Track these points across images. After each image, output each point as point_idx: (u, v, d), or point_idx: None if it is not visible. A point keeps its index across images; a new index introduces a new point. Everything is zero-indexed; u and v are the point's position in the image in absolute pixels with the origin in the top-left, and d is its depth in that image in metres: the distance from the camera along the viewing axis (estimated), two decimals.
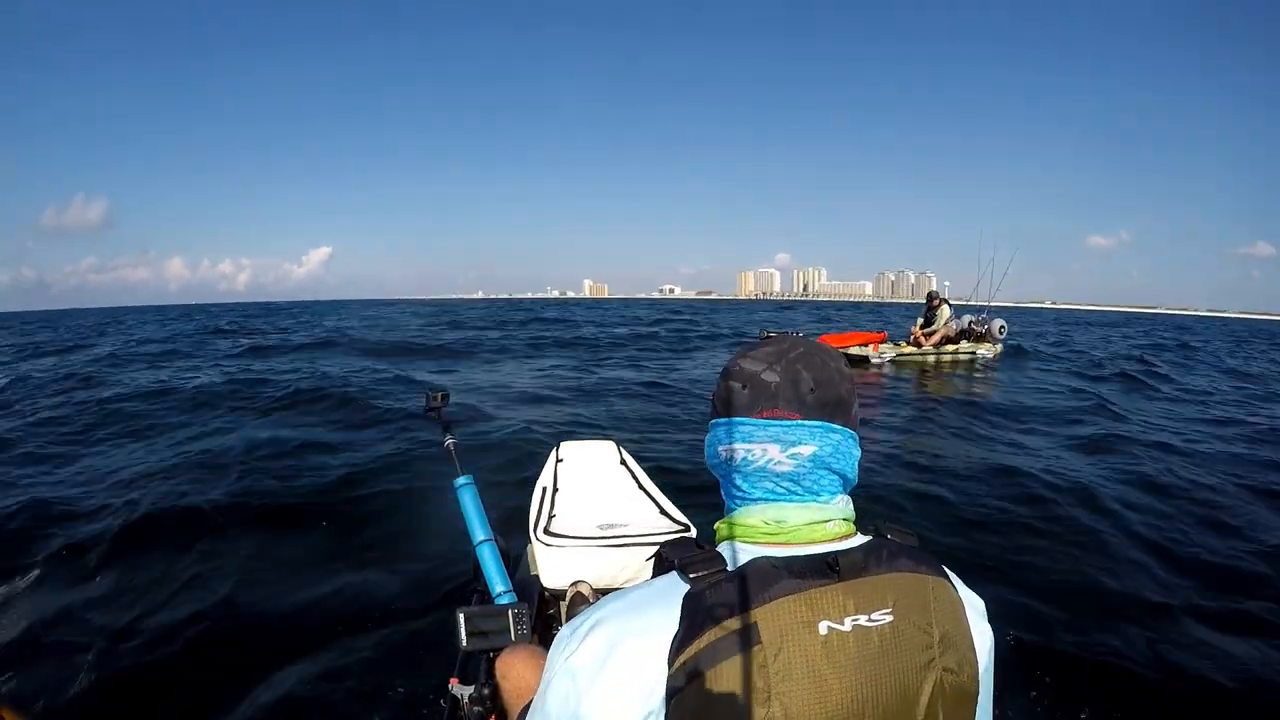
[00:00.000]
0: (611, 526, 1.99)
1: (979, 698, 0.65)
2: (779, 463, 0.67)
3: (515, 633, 1.47)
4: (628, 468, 2.47)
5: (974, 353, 10.66)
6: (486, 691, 1.43)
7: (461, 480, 2.01)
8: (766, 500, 0.68)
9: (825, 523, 0.67)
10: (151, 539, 3.64)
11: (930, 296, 10.75)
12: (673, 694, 0.57)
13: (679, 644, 0.57)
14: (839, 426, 0.68)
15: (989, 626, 0.69)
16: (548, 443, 3.40)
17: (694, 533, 1.95)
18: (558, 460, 2.48)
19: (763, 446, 0.67)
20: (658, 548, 0.67)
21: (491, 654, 1.44)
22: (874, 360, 9.87)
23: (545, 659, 0.66)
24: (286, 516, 3.94)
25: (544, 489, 2.28)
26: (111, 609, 2.95)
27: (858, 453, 0.70)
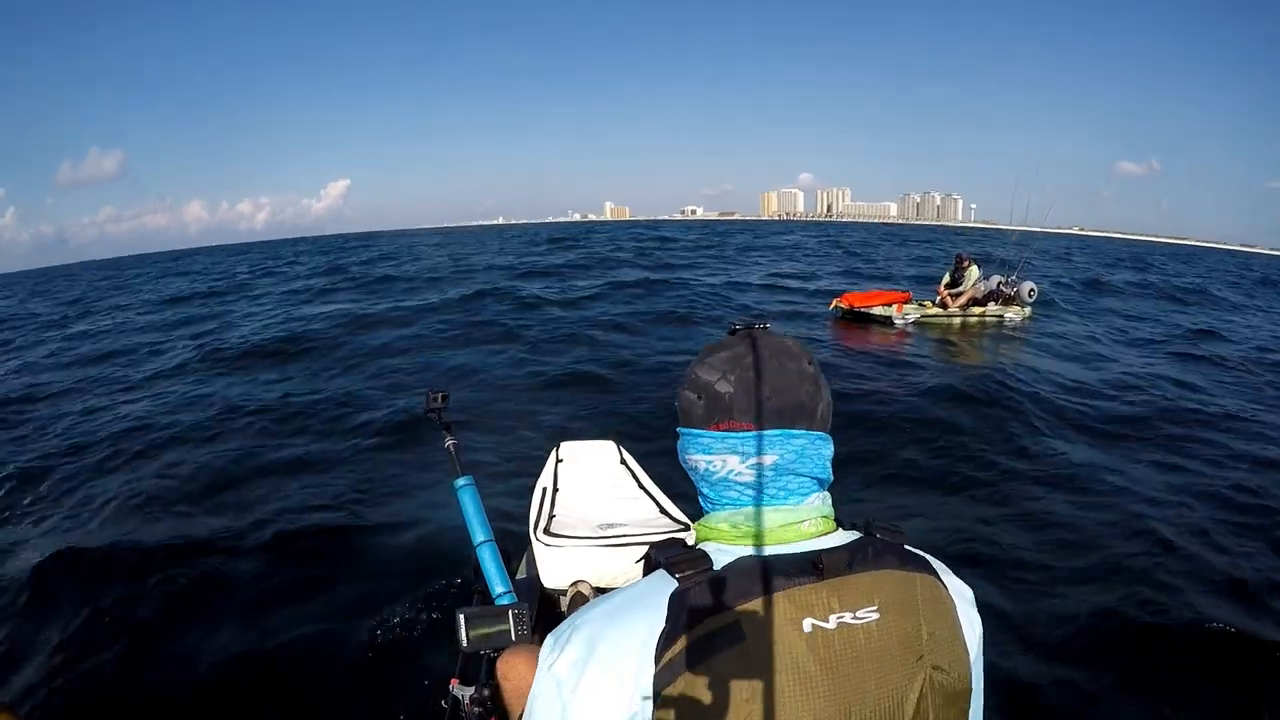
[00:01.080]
0: (612, 526, 1.99)
1: (971, 693, 0.65)
2: (740, 473, 0.66)
3: (515, 633, 1.47)
4: (628, 467, 2.47)
5: (1001, 316, 10.03)
6: (487, 692, 1.43)
7: (462, 481, 2.01)
8: (735, 505, 0.67)
9: (799, 523, 0.66)
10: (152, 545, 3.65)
11: (958, 258, 10.19)
12: (659, 693, 0.57)
13: (664, 642, 0.57)
14: (801, 431, 0.66)
15: (978, 615, 0.68)
16: (548, 441, 3.40)
17: (693, 532, 1.95)
18: (558, 460, 2.48)
19: (722, 458, 0.66)
20: (646, 552, 0.67)
21: (492, 654, 1.44)
22: (897, 322, 9.42)
23: None
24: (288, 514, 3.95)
25: (544, 489, 2.28)
26: (108, 605, 2.95)
27: (829, 451, 0.69)
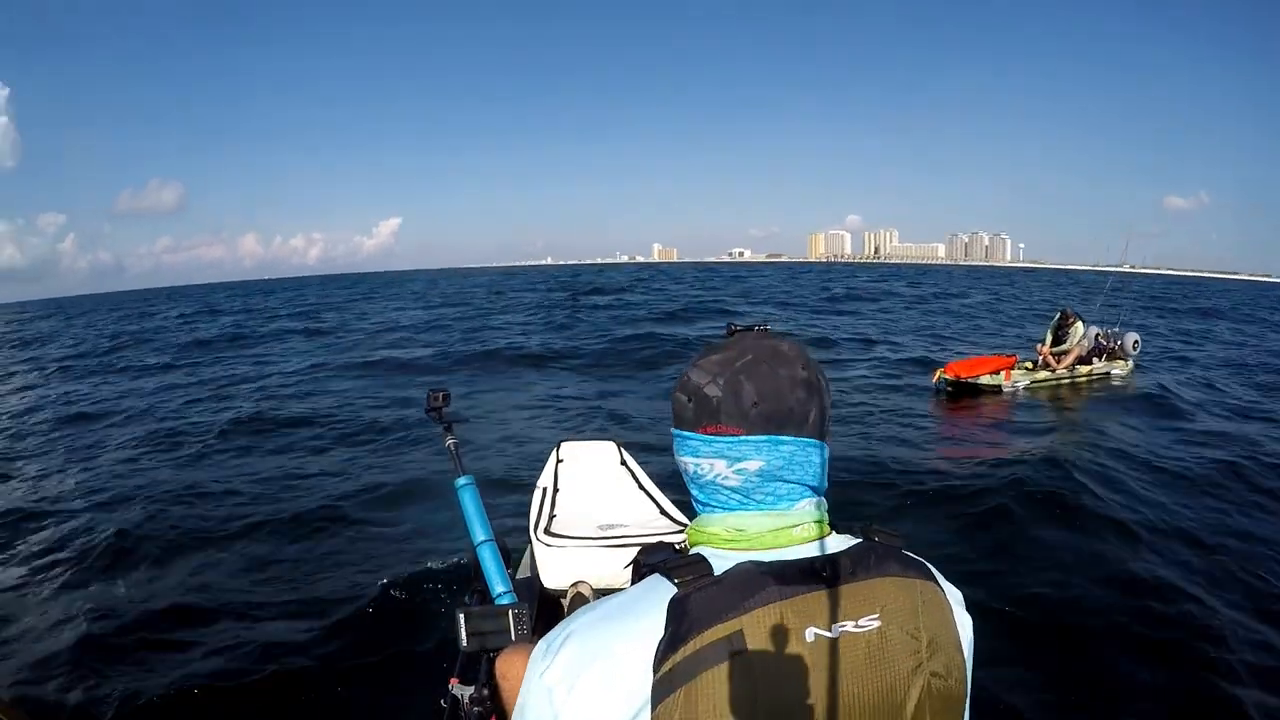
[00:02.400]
0: (612, 527, 1.99)
1: (967, 697, 0.65)
2: (726, 478, 0.64)
3: (515, 633, 1.47)
4: (628, 468, 2.46)
5: (1108, 372, 9.21)
6: (486, 692, 1.43)
7: (462, 481, 2.00)
8: (725, 509, 0.66)
9: (790, 529, 0.65)
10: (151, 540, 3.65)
11: (1063, 314, 9.22)
12: (657, 701, 0.56)
13: (664, 650, 0.56)
14: (789, 438, 0.64)
15: (969, 617, 0.68)
16: (550, 441, 3.40)
17: (686, 535, 1.95)
18: (558, 460, 2.48)
19: (709, 462, 0.65)
20: (636, 556, 0.66)
21: (491, 654, 1.44)
22: (1006, 390, 8.59)
23: None
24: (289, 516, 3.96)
25: (544, 489, 2.27)
26: (108, 605, 2.96)
27: (820, 459, 0.67)
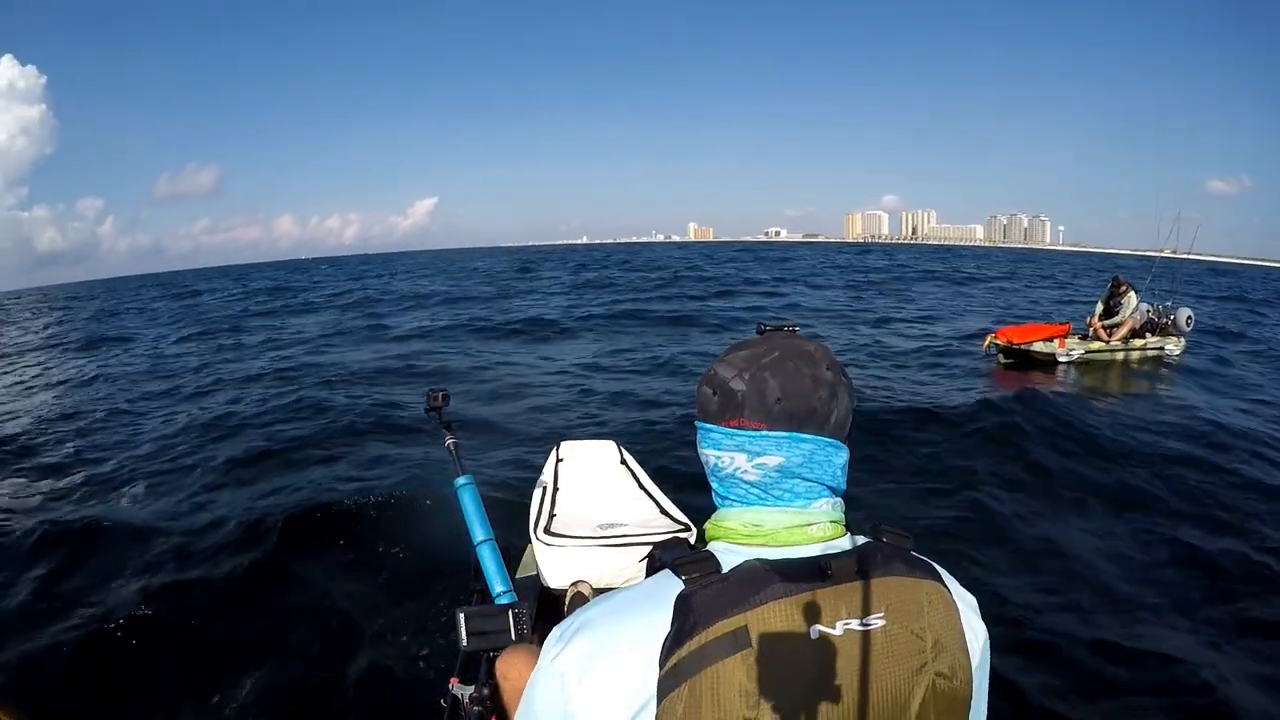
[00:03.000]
0: (612, 526, 1.99)
1: (973, 698, 0.65)
2: (746, 472, 0.66)
3: (515, 633, 1.47)
4: (628, 467, 2.46)
5: (1161, 348, 8.63)
6: (486, 691, 1.43)
7: (462, 480, 2.00)
8: (743, 504, 0.67)
9: (806, 526, 0.66)
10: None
11: (1115, 282, 8.61)
12: (663, 695, 0.57)
13: (670, 645, 0.57)
14: (809, 436, 0.65)
15: (983, 624, 0.68)
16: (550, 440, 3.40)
17: (694, 532, 1.95)
18: (558, 460, 2.47)
19: (730, 455, 0.66)
20: (650, 551, 0.67)
21: (492, 654, 1.44)
22: (1061, 359, 8.08)
23: None
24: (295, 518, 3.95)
25: (544, 488, 2.27)
26: (108, 605, 2.95)
27: (841, 459, 0.68)
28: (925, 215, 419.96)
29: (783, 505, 0.66)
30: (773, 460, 0.65)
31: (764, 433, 0.65)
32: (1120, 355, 8.54)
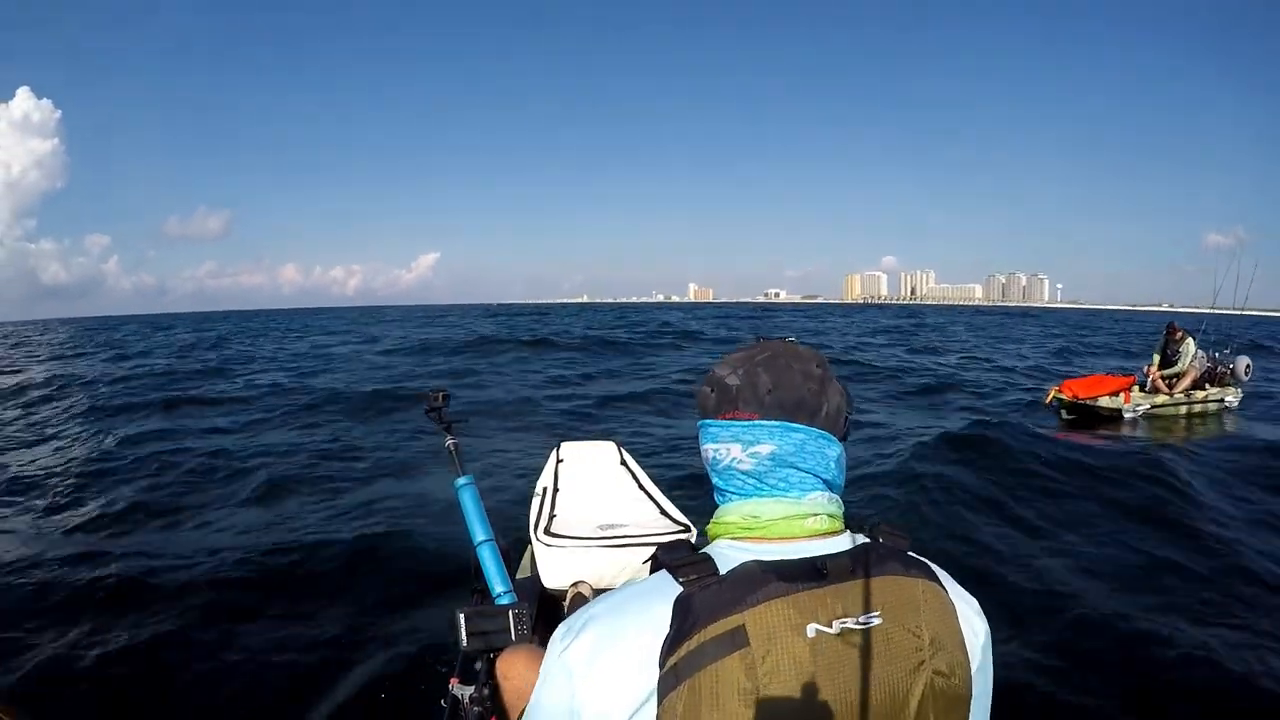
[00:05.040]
0: (612, 527, 1.99)
1: (973, 698, 0.66)
2: (741, 461, 0.69)
3: (515, 633, 1.47)
4: (628, 468, 2.47)
5: (1222, 400, 8.19)
6: (486, 692, 1.43)
7: (462, 481, 2.01)
8: (741, 496, 0.69)
9: (803, 518, 0.67)
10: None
11: (1170, 329, 8.09)
12: (663, 694, 0.58)
13: (669, 645, 0.58)
14: (801, 426, 0.68)
15: (985, 625, 0.69)
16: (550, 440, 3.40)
17: (694, 533, 1.96)
18: (558, 460, 2.48)
19: (726, 446, 0.69)
20: (654, 552, 0.68)
21: (492, 654, 1.44)
22: (1127, 415, 7.58)
23: None
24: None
25: (544, 489, 2.28)
26: (106, 601, 2.96)
27: (834, 453, 0.70)
28: (924, 275, 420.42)
29: (778, 495, 0.68)
30: (765, 449, 0.68)
31: (757, 422, 0.68)
32: (1184, 409, 8.05)
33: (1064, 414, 7.73)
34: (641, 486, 2.33)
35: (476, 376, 11.67)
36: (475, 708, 1.43)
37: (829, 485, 0.70)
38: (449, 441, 2.12)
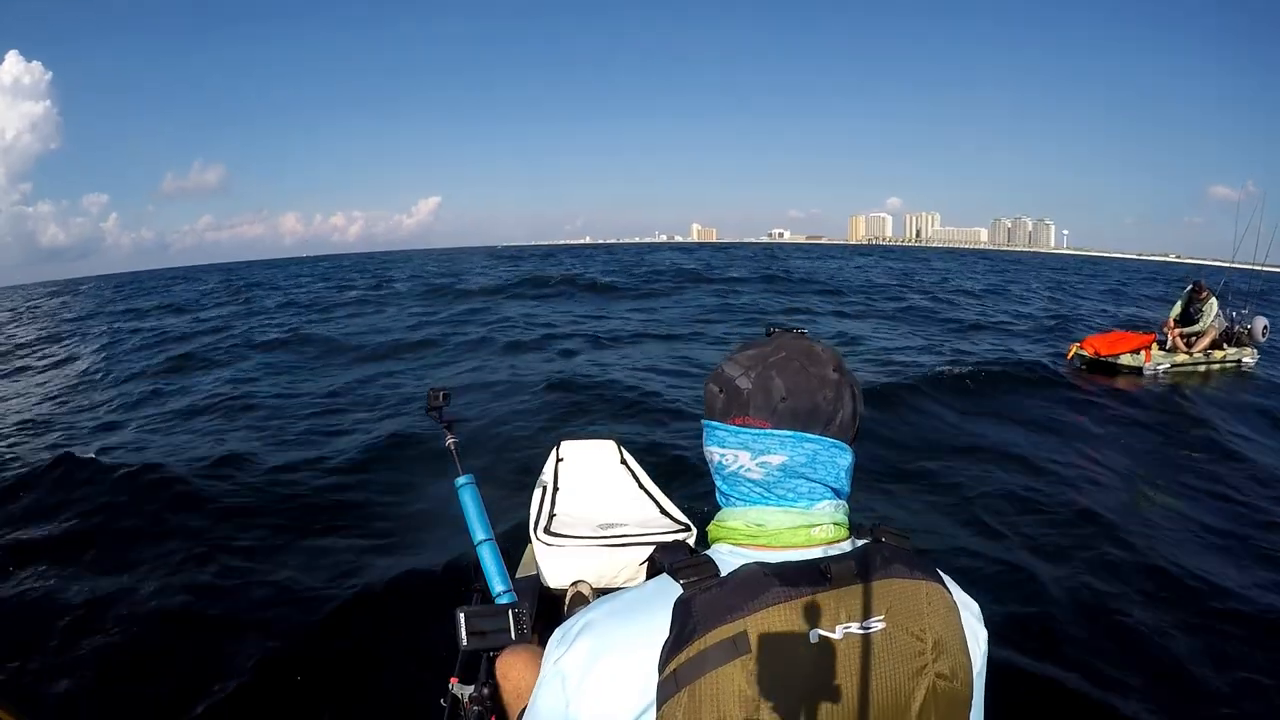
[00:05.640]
0: (612, 526, 1.99)
1: (972, 701, 0.65)
2: (749, 470, 0.66)
3: (515, 633, 1.47)
4: (628, 467, 2.46)
5: (1239, 360, 8.19)
6: (486, 691, 1.43)
7: (462, 480, 2.01)
8: (747, 503, 0.67)
9: (809, 528, 0.65)
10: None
11: (1196, 287, 8.01)
12: (662, 700, 0.57)
13: (669, 651, 0.57)
14: (814, 436, 0.65)
15: (985, 630, 0.69)
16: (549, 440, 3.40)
17: (694, 532, 1.95)
18: (558, 459, 2.48)
19: (734, 453, 0.66)
20: (651, 554, 0.67)
21: (491, 654, 1.44)
22: (1147, 372, 7.65)
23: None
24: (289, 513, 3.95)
25: (544, 488, 2.27)
26: (105, 601, 2.96)
27: (845, 462, 0.68)
28: (929, 218, 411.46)
29: (786, 505, 0.66)
30: (776, 459, 0.65)
31: (768, 431, 0.65)
32: (1202, 367, 8.09)
33: (1084, 370, 7.89)
34: (641, 485, 2.33)
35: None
36: (475, 707, 1.43)
37: (838, 494, 0.68)
38: (449, 440, 2.12)
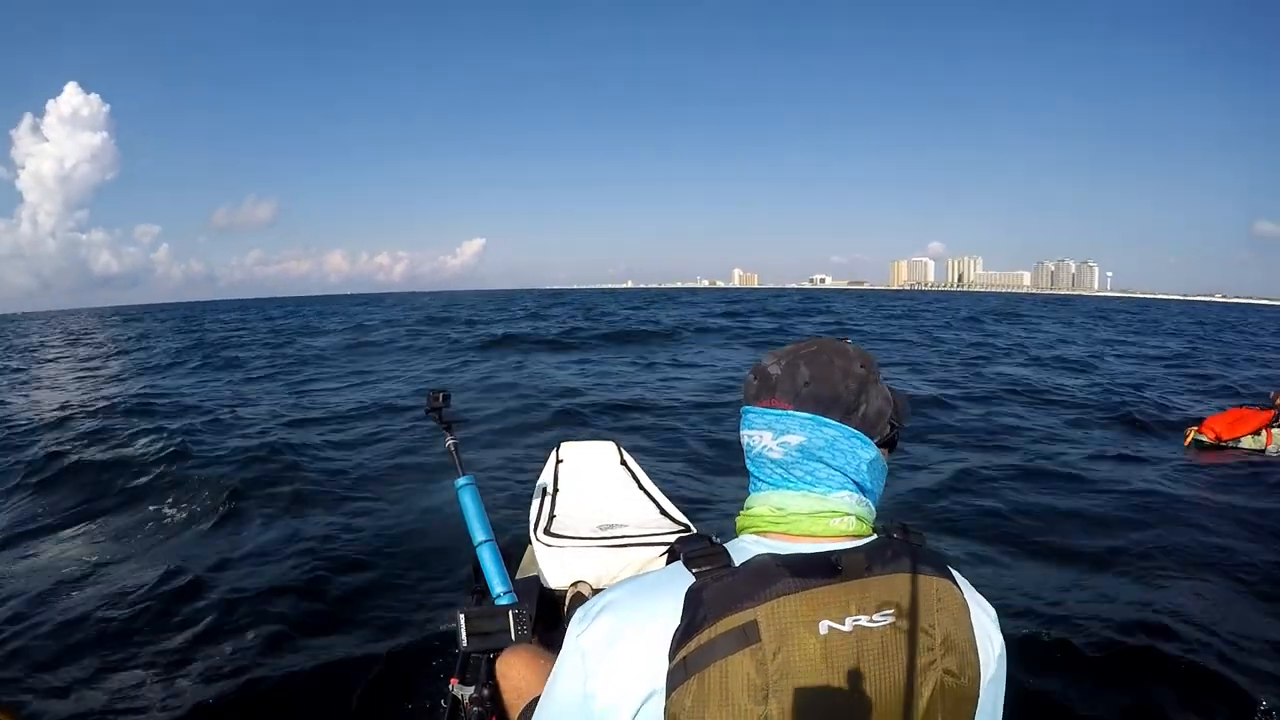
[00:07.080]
0: (611, 527, 1.99)
1: (979, 701, 0.65)
2: (771, 449, 0.69)
3: (515, 633, 1.47)
4: (628, 468, 2.47)
5: None
6: (486, 692, 1.43)
7: (462, 481, 2.00)
8: (770, 486, 0.70)
9: (829, 516, 0.67)
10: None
11: None
12: (672, 686, 0.57)
13: (680, 638, 0.58)
14: (834, 423, 0.67)
15: (1001, 637, 0.69)
16: (549, 441, 3.40)
17: (694, 533, 1.95)
18: (558, 461, 2.48)
19: (759, 433, 0.70)
20: (671, 543, 0.68)
21: (492, 655, 1.44)
22: (1270, 453, 6.99)
23: (545, 659, 0.67)
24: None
25: (544, 489, 2.28)
26: (104, 600, 2.95)
27: (867, 455, 0.69)
28: (971, 262, 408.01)
29: (804, 489, 0.68)
30: (795, 439, 0.68)
31: (790, 412, 0.68)
32: None
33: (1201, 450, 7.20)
34: (641, 486, 2.33)
35: None
36: (475, 708, 1.43)
37: (860, 488, 0.69)
38: (449, 442, 2.12)
